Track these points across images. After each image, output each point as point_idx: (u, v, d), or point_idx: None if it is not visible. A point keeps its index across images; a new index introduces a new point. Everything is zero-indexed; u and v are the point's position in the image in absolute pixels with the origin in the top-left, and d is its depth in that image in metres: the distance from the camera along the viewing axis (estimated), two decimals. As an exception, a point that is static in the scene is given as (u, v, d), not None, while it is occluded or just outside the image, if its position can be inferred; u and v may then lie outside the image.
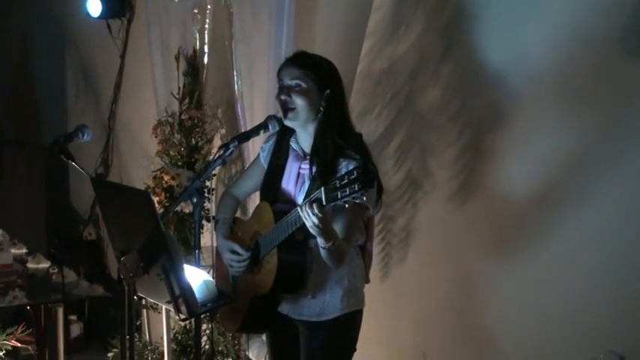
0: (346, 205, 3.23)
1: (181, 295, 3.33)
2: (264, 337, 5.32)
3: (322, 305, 3.74)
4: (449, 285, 4.59)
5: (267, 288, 3.66)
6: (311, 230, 3.33)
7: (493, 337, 4.37)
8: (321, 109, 3.68)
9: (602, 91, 3.81)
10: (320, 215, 3.26)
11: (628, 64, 3.68)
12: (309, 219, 3.28)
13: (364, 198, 3.14)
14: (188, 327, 5.65)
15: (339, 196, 3.15)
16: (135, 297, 3.56)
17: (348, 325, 3.81)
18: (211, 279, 3.51)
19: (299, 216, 3.38)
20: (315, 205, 3.25)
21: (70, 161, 4.21)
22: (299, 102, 3.66)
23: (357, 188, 3.10)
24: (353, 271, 3.78)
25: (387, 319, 4.86)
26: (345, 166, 3.57)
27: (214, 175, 5.85)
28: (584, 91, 3.88)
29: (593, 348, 3.78)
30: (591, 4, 3.83)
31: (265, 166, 3.94)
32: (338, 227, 3.54)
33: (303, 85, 3.66)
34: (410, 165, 4.74)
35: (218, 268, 4.13)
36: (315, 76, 3.67)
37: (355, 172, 3.11)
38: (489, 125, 4.29)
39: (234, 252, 3.84)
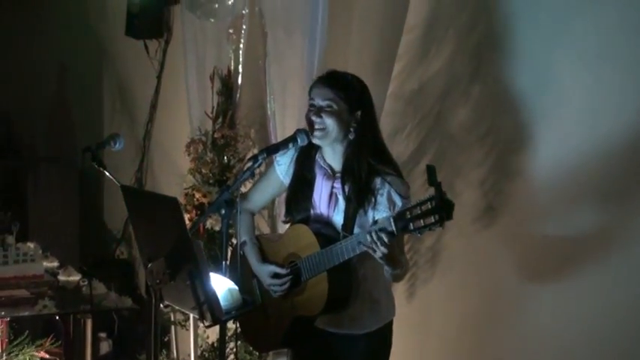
0: (419, 235, 3.23)
1: (206, 302, 3.36)
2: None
3: (365, 318, 3.75)
4: (475, 305, 4.60)
5: (316, 311, 3.67)
6: (378, 260, 3.34)
7: (519, 358, 4.37)
8: (352, 129, 3.68)
9: (631, 112, 3.82)
10: (389, 245, 3.26)
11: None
12: (379, 250, 3.28)
13: (441, 228, 3.14)
14: (215, 344, 5.67)
15: (411, 227, 3.16)
16: (161, 305, 3.59)
17: (387, 335, 3.86)
18: (236, 287, 3.53)
19: (357, 243, 3.40)
20: (384, 236, 3.25)
21: (101, 169, 4.27)
22: (329, 122, 3.66)
23: (433, 220, 3.10)
24: (388, 283, 3.81)
25: (414, 339, 4.86)
26: (381, 183, 3.59)
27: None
28: (612, 112, 3.89)
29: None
30: (619, 24, 3.85)
31: (284, 181, 3.94)
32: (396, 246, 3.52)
33: (335, 106, 3.66)
34: (438, 185, 4.75)
35: (243, 281, 4.14)
36: (347, 96, 3.66)
37: (430, 203, 3.11)
38: (517, 146, 4.31)
39: (274, 275, 3.83)
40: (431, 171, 3.13)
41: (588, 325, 4.00)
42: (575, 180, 4.05)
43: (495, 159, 4.43)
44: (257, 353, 5.65)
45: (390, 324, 3.86)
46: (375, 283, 3.72)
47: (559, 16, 4.14)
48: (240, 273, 4.02)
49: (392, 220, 3.21)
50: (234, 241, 5.49)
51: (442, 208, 3.08)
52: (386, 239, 3.25)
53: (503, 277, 4.44)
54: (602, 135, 3.93)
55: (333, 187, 3.74)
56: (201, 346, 5.77)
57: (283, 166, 3.93)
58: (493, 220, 4.46)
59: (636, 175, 3.79)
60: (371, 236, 3.27)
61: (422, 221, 3.12)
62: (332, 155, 3.77)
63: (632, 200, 3.80)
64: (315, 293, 3.68)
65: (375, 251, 3.30)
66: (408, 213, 3.16)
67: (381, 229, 3.25)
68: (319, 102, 3.69)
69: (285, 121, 5.40)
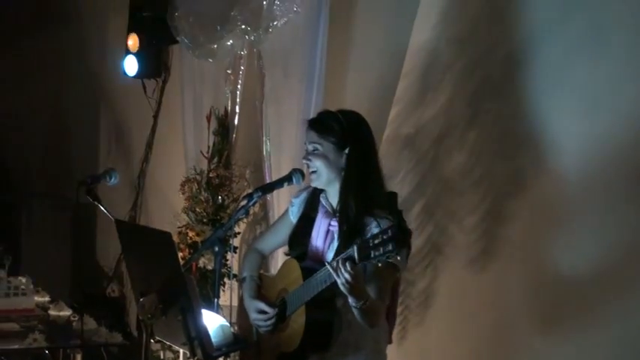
0: (379, 265, 3.21)
1: (197, 338, 3.36)
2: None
3: None
4: (466, 349, 4.59)
5: (293, 346, 3.64)
6: (342, 288, 3.28)
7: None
8: (343, 167, 3.69)
9: (628, 159, 3.85)
10: (352, 273, 3.22)
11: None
12: (341, 276, 3.23)
13: (398, 257, 3.12)
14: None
15: (372, 255, 3.13)
16: (152, 340, 3.59)
17: None
18: (227, 324, 3.54)
19: (329, 274, 3.34)
20: (347, 263, 3.21)
21: (96, 202, 4.28)
22: (318, 165, 3.68)
23: (390, 248, 3.07)
24: (378, 331, 3.73)
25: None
26: (375, 225, 3.55)
27: (238, 233, 5.90)
28: (607, 160, 3.92)
29: None
30: (616, 73, 3.89)
31: (294, 222, 3.95)
32: (372, 287, 3.50)
33: (320, 148, 3.67)
34: (431, 229, 4.78)
35: (240, 321, 4.14)
36: (333, 137, 3.67)
37: (390, 231, 3.09)
38: (511, 191, 4.34)
39: (261, 311, 3.81)
40: (392, 199, 3.13)
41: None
42: (569, 227, 4.07)
43: (490, 204, 4.45)
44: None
45: None
46: (361, 332, 3.66)
47: (557, 64, 4.18)
48: (242, 310, 4.04)
49: (355, 248, 3.21)
50: (226, 279, 5.55)
51: (400, 237, 3.08)
52: (348, 266, 3.21)
53: (495, 322, 4.45)
54: (598, 182, 3.95)
55: (330, 225, 3.75)
56: (190, 385, 5.75)
57: (295, 208, 3.95)
58: (486, 265, 4.47)
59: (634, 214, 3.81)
60: (336, 262, 3.26)
61: (381, 249, 3.11)
62: (333, 194, 3.78)
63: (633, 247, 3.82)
64: (294, 328, 3.67)
65: (339, 277, 3.25)
66: (371, 241, 3.14)
67: (346, 258, 3.24)
68: (307, 146, 3.73)
69: (280, 162, 5.43)
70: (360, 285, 3.34)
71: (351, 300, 3.36)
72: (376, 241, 3.12)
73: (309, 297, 3.56)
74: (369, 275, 3.51)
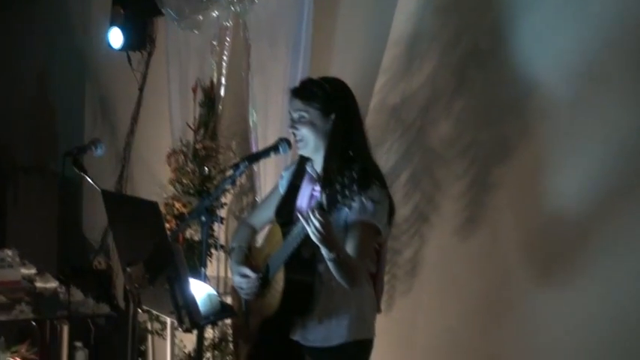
0: (348, 210, 3.24)
1: (185, 306, 3.36)
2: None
3: (327, 331, 3.72)
4: (454, 316, 4.61)
5: (274, 308, 3.66)
6: (313, 238, 3.29)
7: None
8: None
9: (611, 128, 3.85)
10: (321, 220, 3.23)
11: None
12: (311, 225, 3.25)
13: (363, 200, 3.15)
14: (192, 354, 5.66)
15: (339, 199, 3.15)
16: (139, 309, 3.60)
17: (354, 354, 3.79)
18: (215, 293, 3.54)
19: (303, 226, 3.37)
20: (316, 211, 3.24)
21: (82, 173, 4.27)
22: (304, 133, 3.70)
23: (355, 189, 3.11)
24: (362, 298, 3.76)
25: (392, 352, 4.87)
26: (354, 189, 3.55)
27: (225, 204, 5.90)
28: (593, 127, 3.92)
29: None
30: (600, 41, 3.89)
31: (282, 193, 3.97)
32: (349, 245, 3.52)
33: (306, 115, 3.69)
34: (418, 198, 4.78)
35: (233, 291, 4.15)
36: (318, 103, 3.68)
37: (354, 173, 3.12)
38: (498, 159, 4.34)
39: (243, 275, 3.84)
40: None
41: (566, 341, 4.02)
42: (555, 192, 4.08)
43: (476, 172, 4.45)
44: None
45: (362, 344, 3.81)
46: (344, 298, 3.69)
47: (543, 30, 4.18)
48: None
49: (324, 195, 3.22)
50: (213, 250, 5.55)
51: (360, 177, 3.11)
52: (317, 213, 3.23)
53: (482, 288, 4.46)
54: (582, 148, 3.95)
55: (313, 190, 3.78)
56: (178, 356, 5.76)
57: (284, 181, 3.98)
58: (473, 233, 4.47)
59: (624, 185, 3.82)
60: (307, 212, 3.28)
61: (346, 191, 3.12)
62: (319, 161, 3.80)
63: (616, 209, 3.83)
64: (275, 290, 3.70)
65: (309, 226, 3.27)
66: (337, 186, 3.16)
67: (315, 206, 3.25)
68: (293, 114, 3.74)
69: (267, 133, 5.42)
70: (331, 236, 3.33)
71: (323, 252, 3.37)
72: (342, 186, 3.13)
73: (287, 254, 3.58)
74: (347, 235, 3.54)
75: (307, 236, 3.36)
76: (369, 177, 3.19)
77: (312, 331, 3.75)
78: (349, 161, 3.59)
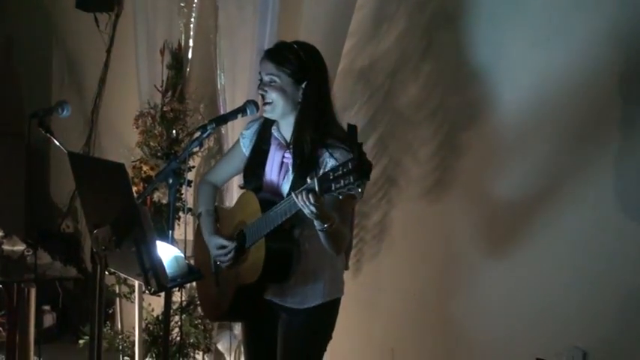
0: (340, 197, 3.22)
1: (151, 269, 3.35)
2: (235, 330, 5.35)
3: (305, 293, 3.75)
4: (420, 280, 4.64)
5: (254, 277, 3.67)
6: (309, 216, 3.32)
7: (462, 331, 4.43)
8: (299, 100, 3.70)
9: (579, 90, 3.86)
10: (317, 205, 3.25)
11: (603, 67, 3.76)
12: (308, 208, 3.27)
13: (359, 190, 3.12)
14: (160, 318, 5.66)
15: (333, 188, 3.14)
16: (107, 272, 3.58)
17: (327, 312, 3.83)
18: (182, 255, 3.52)
19: (289, 206, 3.40)
20: (311, 196, 3.23)
21: (48, 135, 4.23)
22: (274, 97, 3.68)
23: (352, 180, 3.07)
24: (334, 259, 3.78)
25: (359, 314, 4.90)
26: (328, 155, 3.57)
27: (193, 167, 5.89)
28: (561, 91, 3.93)
29: (559, 343, 3.86)
30: (570, 1, 3.90)
31: (246, 153, 3.94)
32: (335, 217, 3.50)
33: (278, 80, 3.66)
34: (386, 162, 4.79)
35: (197, 254, 4.15)
36: (291, 70, 3.66)
37: (350, 163, 3.08)
38: (465, 123, 4.36)
39: (221, 247, 3.84)
40: (352, 131, 3.13)
41: (532, 301, 4.05)
42: (522, 154, 4.10)
43: (444, 136, 4.47)
44: (202, 327, 5.67)
45: (334, 302, 3.85)
46: (319, 260, 3.72)
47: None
48: (198, 244, 4.04)
49: (317, 181, 3.21)
50: (181, 214, 5.53)
51: (360, 169, 3.09)
52: (312, 199, 3.24)
53: (450, 252, 4.49)
54: (549, 112, 3.97)
55: (283, 157, 3.76)
56: (146, 319, 5.76)
57: (247, 140, 3.95)
58: (441, 196, 4.49)
59: (585, 153, 3.84)
60: (301, 195, 3.28)
61: (342, 181, 3.12)
62: (286, 127, 3.78)
63: (577, 170, 3.87)
64: (254, 260, 3.70)
65: (305, 208, 3.29)
66: (331, 174, 3.15)
67: (308, 190, 3.25)
68: (264, 77, 3.71)
69: (235, 95, 5.40)
70: (324, 210, 3.35)
71: (317, 224, 3.40)
72: (337, 174, 3.12)
73: (270, 229, 3.58)
74: (329, 207, 3.50)
75: (294, 214, 3.40)
76: (368, 168, 3.14)
77: (289, 294, 3.77)
78: (319, 130, 3.63)
